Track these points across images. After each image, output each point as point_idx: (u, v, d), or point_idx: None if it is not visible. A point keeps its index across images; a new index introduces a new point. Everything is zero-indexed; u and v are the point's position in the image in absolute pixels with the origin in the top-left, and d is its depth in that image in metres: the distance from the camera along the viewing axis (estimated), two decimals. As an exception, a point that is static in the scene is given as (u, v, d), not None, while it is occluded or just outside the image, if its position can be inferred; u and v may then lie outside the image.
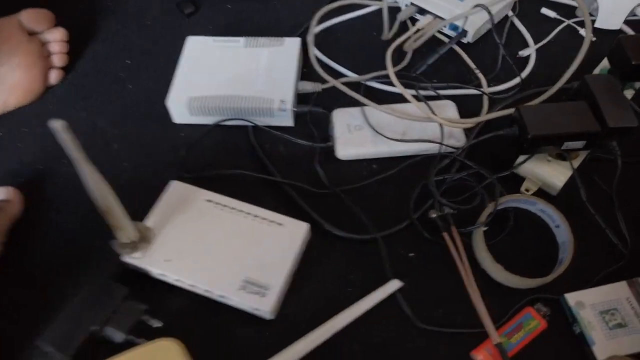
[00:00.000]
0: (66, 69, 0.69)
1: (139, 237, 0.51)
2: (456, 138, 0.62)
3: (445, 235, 0.55)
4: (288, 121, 0.64)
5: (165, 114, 0.64)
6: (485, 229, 0.55)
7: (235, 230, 0.54)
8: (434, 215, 0.56)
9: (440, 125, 0.61)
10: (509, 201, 0.57)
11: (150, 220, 0.54)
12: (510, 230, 0.57)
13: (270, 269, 0.51)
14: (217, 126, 0.64)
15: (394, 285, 0.52)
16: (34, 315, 0.51)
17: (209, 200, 0.56)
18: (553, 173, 0.58)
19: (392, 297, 0.53)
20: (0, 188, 0.57)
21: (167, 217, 0.55)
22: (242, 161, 0.62)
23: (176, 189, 0.57)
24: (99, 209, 0.46)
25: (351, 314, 0.51)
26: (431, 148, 0.61)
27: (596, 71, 0.67)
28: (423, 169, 0.60)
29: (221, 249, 0.53)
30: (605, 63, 0.67)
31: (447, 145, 0.61)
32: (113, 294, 0.49)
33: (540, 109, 0.57)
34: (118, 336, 0.48)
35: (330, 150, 0.62)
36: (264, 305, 0.50)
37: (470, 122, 0.60)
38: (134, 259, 0.52)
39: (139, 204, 0.56)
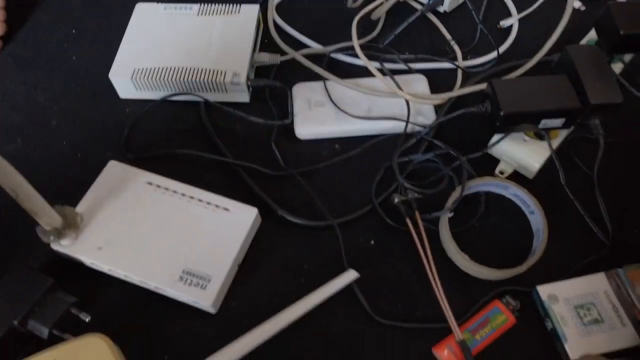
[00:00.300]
0: (4, 39, 0.63)
1: (64, 223, 0.46)
2: (425, 116, 0.57)
3: (409, 221, 0.50)
4: (243, 97, 0.58)
5: (111, 88, 0.59)
6: (450, 215, 0.50)
7: (176, 216, 0.49)
8: (397, 200, 0.51)
9: (407, 101, 0.55)
10: (479, 185, 0.52)
11: (84, 204, 0.49)
12: (480, 217, 0.52)
13: (213, 259, 0.47)
14: (165, 102, 0.59)
15: (349, 276, 0.48)
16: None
17: (150, 183, 0.51)
18: (529, 154, 0.53)
19: (348, 289, 0.48)
20: None
21: (102, 201, 0.50)
22: (193, 140, 0.57)
23: (114, 170, 0.52)
24: (8, 193, 0.41)
25: (302, 307, 0.46)
26: (398, 126, 0.56)
27: (582, 43, 0.61)
28: (388, 149, 0.55)
29: (159, 236, 0.48)
30: (592, 35, 0.61)
31: (414, 124, 0.56)
32: (36, 285, 0.44)
33: (516, 83, 0.51)
34: (42, 331, 0.43)
35: (289, 129, 0.57)
36: (204, 299, 0.45)
37: (439, 97, 0.55)
38: (63, 246, 0.47)
39: (77, 186, 0.51)
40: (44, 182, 0.54)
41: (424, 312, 0.47)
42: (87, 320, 0.44)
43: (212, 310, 0.46)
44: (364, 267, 0.49)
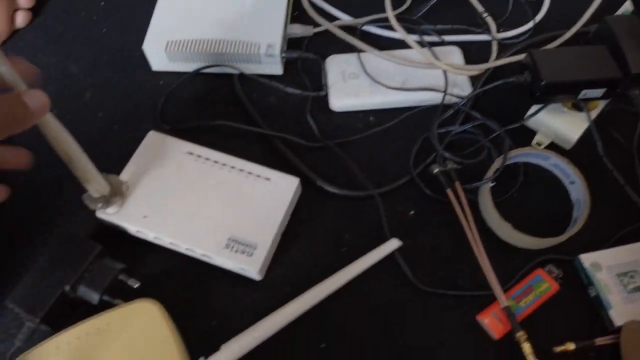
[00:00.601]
0: (34, 10, 0.63)
1: (111, 191, 0.46)
2: (461, 87, 0.56)
3: (449, 191, 0.50)
4: (277, 68, 0.58)
5: (143, 60, 0.58)
6: (492, 184, 0.50)
7: (219, 185, 0.49)
8: (436, 171, 0.51)
9: (444, 72, 0.55)
10: (519, 155, 0.52)
11: (126, 174, 0.49)
12: (519, 187, 0.52)
13: (257, 227, 0.47)
14: (199, 74, 0.58)
15: (392, 244, 0.48)
16: (2, 272, 0.47)
17: (190, 153, 0.50)
18: (568, 125, 0.52)
19: (390, 258, 0.48)
20: None
21: (144, 170, 0.49)
22: (227, 112, 0.56)
23: (154, 140, 0.51)
24: (62, 159, 0.41)
25: (346, 275, 0.46)
26: (433, 98, 0.56)
27: (619, 13, 0.61)
28: (424, 121, 0.55)
29: (203, 205, 0.48)
30: (627, 6, 0.60)
31: (451, 95, 0.55)
32: (85, 252, 0.44)
33: (556, 54, 0.51)
34: (93, 297, 0.43)
35: (323, 101, 0.57)
36: (251, 265, 0.45)
37: (477, 68, 0.55)
38: (108, 214, 0.47)
39: (114, 157, 0.51)
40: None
41: (465, 281, 0.48)
42: (135, 286, 0.44)
43: (258, 278, 0.46)
44: (403, 237, 0.49)
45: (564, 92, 0.51)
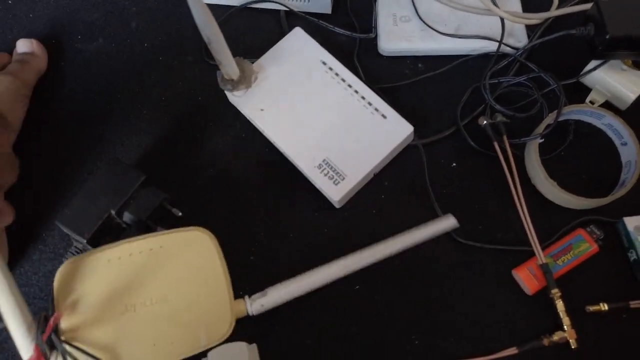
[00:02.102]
0: None
1: (240, 77, 0.48)
2: (517, 37, 0.54)
3: (496, 144, 0.49)
4: (325, 7, 0.56)
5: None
6: (541, 141, 0.49)
7: (337, 105, 0.49)
8: (484, 123, 0.50)
9: (502, 19, 0.52)
10: (572, 112, 0.50)
11: (259, 65, 0.51)
12: (568, 145, 0.51)
13: (355, 159, 0.47)
14: (245, 8, 0.57)
15: (449, 222, 0.47)
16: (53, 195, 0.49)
17: (324, 63, 0.51)
18: (626, 84, 0.50)
19: (430, 208, 0.48)
20: (25, 40, 0.53)
21: (277, 65, 0.51)
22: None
23: (297, 37, 0.52)
24: (204, 39, 0.43)
25: (397, 244, 0.46)
26: (487, 47, 0.53)
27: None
28: (475, 70, 0.53)
29: (315, 118, 0.49)
30: None
31: (505, 45, 0.53)
32: (131, 180, 0.45)
33: (626, 5, 0.48)
34: (137, 222, 0.45)
35: (371, 44, 0.55)
36: (334, 193, 0.46)
37: (537, 17, 0.52)
38: (233, 97, 0.50)
39: (159, 87, 0.51)
40: (127, 81, 0.54)
41: (505, 236, 0.48)
42: (178, 214, 0.45)
43: (337, 206, 0.47)
44: (445, 187, 0.49)
45: (629, 48, 0.48)
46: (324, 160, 0.47)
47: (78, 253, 0.44)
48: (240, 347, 0.41)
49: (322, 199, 0.48)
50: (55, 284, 0.40)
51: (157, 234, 0.42)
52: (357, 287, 0.46)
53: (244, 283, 0.44)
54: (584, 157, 0.51)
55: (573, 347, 0.43)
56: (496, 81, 0.52)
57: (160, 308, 0.39)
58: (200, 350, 0.40)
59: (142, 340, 0.39)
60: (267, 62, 0.51)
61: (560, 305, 0.43)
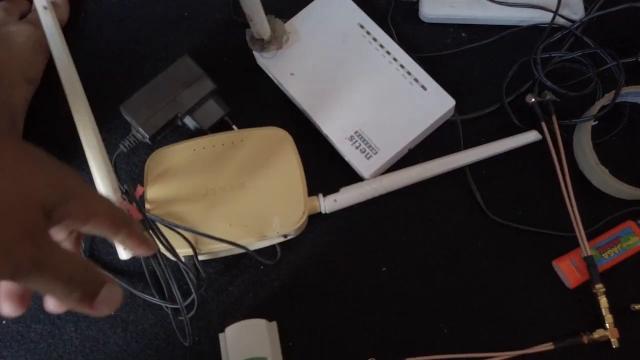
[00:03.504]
0: None
1: (271, 37, 0.45)
2: (573, 8, 0.49)
3: (544, 125, 0.45)
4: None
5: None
6: (594, 123, 0.45)
7: (373, 73, 0.46)
8: (532, 101, 0.46)
9: (559, -12, 0.48)
10: (629, 94, 0.46)
11: (291, 25, 0.48)
12: (622, 129, 0.47)
13: (390, 133, 0.44)
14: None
15: (531, 135, 0.45)
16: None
17: (361, 26, 0.47)
18: (692, 65, 0.46)
19: (466, 187, 0.45)
20: None
21: (310, 28, 0.48)
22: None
23: None
24: None
25: (478, 154, 0.45)
26: (539, 17, 0.49)
27: None
28: (525, 43, 0.49)
29: (348, 86, 0.46)
30: None
31: (560, 16, 0.49)
32: (202, 86, 0.44)
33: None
34: (197, 129, 0.45)
35: (412, 9, 0.51)
36: (364, 168, 0.44)
37: (598, -13, 0.48)
38: (262, 58, 0.47)
39: (183, 46, 0.48)
40: (150, 37, 0.51)
41: (547, 223, 0.44)
42: (235, 128, 0.45)
43: (366, 177, 0.45)
44: (483, 168, 0.46)
45: (700, 25, 0.43)
46: (356, 132, 0.44)
47: (130, 147, 0.44)
48: (260, 323, 0.39)
49: (350, 172, 0.45)
50: (146, 168, 0.43)
51: (238, 130, 0.45)
52: (384, 269, 0.44)
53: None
54: (637, 143, 0.47)
55: (614, 346, 0.40)
56: (547, 56, 0.48)
57: (238, 194, 0.42)
58: (273, 235, 0.41)
59: (219, 220, 0.41)
60: (300, 22, 0.47)
61: (603, 301, 0.40)
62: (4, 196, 0.23)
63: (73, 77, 0.40)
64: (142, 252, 0.31)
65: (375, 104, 0.45)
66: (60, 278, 0.24)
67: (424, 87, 0.45)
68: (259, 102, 0.49)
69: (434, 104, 0.45)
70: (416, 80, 0.45)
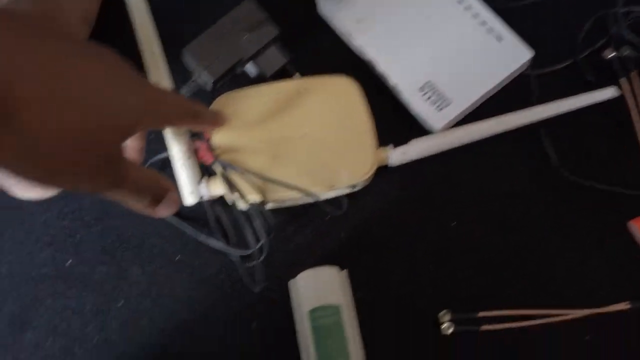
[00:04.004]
0: None
1: None
2: (653, -38, 0.47)
3: (623, 81, 0.43)
4: None
5: None
6: (677, 80, 0.43)
7: (446, 21, 0.44)
8: (611, 55, 0.44)
9: (644, -63, 0.46)
10: None
11: None
12: (703, 89, 0.45)
13: (463, 84, 0.43)
14: None
15: (609, 92, 0.43)
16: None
17: None
18: None
19: (538, 144, 0.44)
20: None
21: None
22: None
23: None
24: None
25: (553, 109, 0.43)
26: (618, -29, 0.47)
27: None
28: (600, -4, 0.47)
29: (420, 35, 0.44)
30: None
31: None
32: (265, 32, 0.43)
33: None
34: (258, 76, 0.44)
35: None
36: (436, 120, 0.42)
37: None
38: (324, 2, 0.45)
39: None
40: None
41: (620, 181, 0.43)
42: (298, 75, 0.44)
43: (437, 130, 0.43)
44: (557, 123, 0.44)
45: None
46: (427, 83, 0.43)
47: (190, 94, 0.42)
48: (332, 271, 0.38)
49: (415, 126, 0.44)
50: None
51: (304, 78, 0.43)
52: (454, 223, 0.43)
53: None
54: None
55: (692, 308, 0.39)
56: (626, 10, 0.46)
57: (305, 142, 0.41)
58: (341, 186, 0.40)
59: (285, 169, 0.40)
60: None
61: (683, 264, 0.39)
62: (90, 124, 0.23)
63: (145, 18, 0.39)
64: (219, 123, 0.34)
65: (448, 54, 0.43)
66: (133, 191, 0.27)
67: (499, 38, 0.43)
68: (319, 52, 0.47)
69: (510, 55, 0.43)
70: (491, 29, 0.44)
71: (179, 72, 0.45)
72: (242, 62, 0.42)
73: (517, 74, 0.45)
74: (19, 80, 0.20)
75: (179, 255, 0.42)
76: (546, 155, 0.44)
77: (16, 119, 0.20)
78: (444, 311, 0.39)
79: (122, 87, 0.25)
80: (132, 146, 0.34)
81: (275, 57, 0.43)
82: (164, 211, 0.29)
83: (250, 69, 0.44)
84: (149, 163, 0.43)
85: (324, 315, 0.37)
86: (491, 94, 0.44)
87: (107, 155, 0.24)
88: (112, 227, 0.42)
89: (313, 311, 0.37)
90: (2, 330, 0.40)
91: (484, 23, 0.44)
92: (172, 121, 0.30)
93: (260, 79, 0.44)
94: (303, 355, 0.38)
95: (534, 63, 0.45)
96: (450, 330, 0.39)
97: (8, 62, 0.20)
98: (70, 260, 0.41)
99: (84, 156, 0.23)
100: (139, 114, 0.26)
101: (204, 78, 0.42)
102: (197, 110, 0.31)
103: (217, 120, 0.35)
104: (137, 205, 0.28)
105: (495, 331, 0.39)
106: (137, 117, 0.25)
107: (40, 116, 0.21)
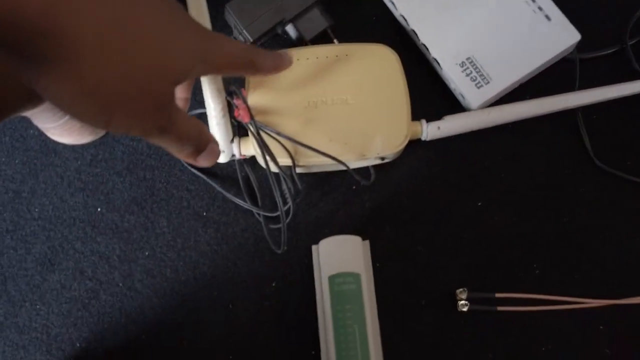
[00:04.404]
0: None
1: None
2: None
3: (671, 71, 0.42)
4: None
5: None
6: None
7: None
8: (661, 44, 0.42)
9: None
10: None
11: None
12: None
13: (505, 62, 0.42)
14: None
15: None
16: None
17: None
18: None
19: (574, 130, 0.43)
20: None
21: None
22: None
23: None
24: None
25: (593, 95, 0.43)
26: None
27: None
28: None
29: (465, 8, 0.43)
30: None
31: None
32: None
33: None
34: (297, 39, 0.44)
35: None
36: (474, 98, 0.42)
37: None
38: None
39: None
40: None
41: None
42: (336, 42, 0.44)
43: (473, 107, 0.43)
44: (596, 111, 0.43)
45: None
46: (468, 59, 0.42)
47: None
48: (356, 240, 0.39)
49: (451, 101, 0.44)
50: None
51: (344, 44, 0.43)
52: (480, 203, 0.42)
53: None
54: None
55: None
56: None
57: (340, 109, 0.41)
58: (372, 155, 0.40)
59: (318, 134, 0.40)
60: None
61: None
62: (143, 70, 0.23)
63: None
64: (281, 67, 0.33)
65: (492, 30, 0.42)
66: (178, 138, 0.27)
67: (547, 17, 0.42)
68: (361, 19, 0.46)
69: (557, 36, 0.42)
70: (540, 8, 0.42)
71: (220, 29, 0.45)
72: (283, 23, 0.42)
73: (562, 56, 0.43)
74: (83, 22, 0.20)
75: (206, 212, 0.42)
76: (583, 144, 0.43)
77: (79, 59, 0.21)
78: (462, 289, 0.40)
79: (179, 31, 0.25)
80: (178, 96, 0.34)
81: (317, 21, 0.43)
82: (204, 161, 0.30)
83: (291, 30, 0.43)
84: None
85: (343, 282, 0.37)
86: (532, 75, 0.43)
87: (160, 98, 0.24)
88: (143, 179, 0.43)
89: (333, 277, 0.37)
90: (31, 270, 0.42)
91: (533, 0, 0.42)
92: (227, 69, 0.30)
93: (300, 42, 0.43)
94: (320, 317, 0.38)
95: (579, 46, 0.44)
96: (466, 308, 0.39)
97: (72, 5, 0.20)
98: (100, 208, 0.43)
99: (139, 99, 0.23)
100: (194, 60, 0.26)
101: (244, 36, 0.42)
102: (253, 60, 0.30)
103: (279, 65, 0.33)
104: (179, 153, 0.28)
105: (510, 312, 0.39)
106: (192, 62, 0.26)
107: (100, 59, 0.21)
